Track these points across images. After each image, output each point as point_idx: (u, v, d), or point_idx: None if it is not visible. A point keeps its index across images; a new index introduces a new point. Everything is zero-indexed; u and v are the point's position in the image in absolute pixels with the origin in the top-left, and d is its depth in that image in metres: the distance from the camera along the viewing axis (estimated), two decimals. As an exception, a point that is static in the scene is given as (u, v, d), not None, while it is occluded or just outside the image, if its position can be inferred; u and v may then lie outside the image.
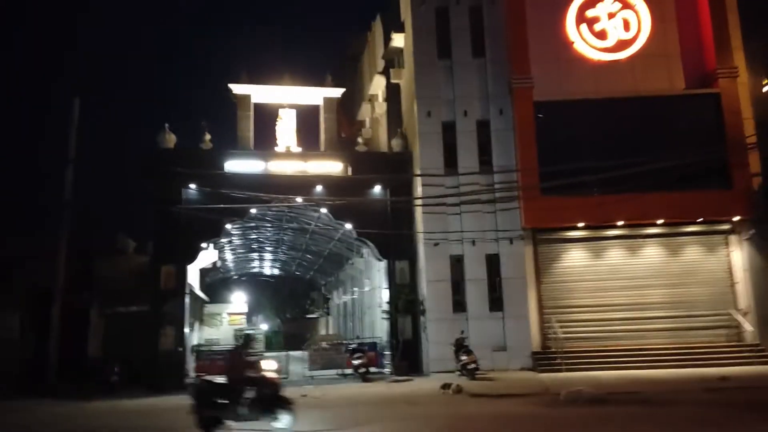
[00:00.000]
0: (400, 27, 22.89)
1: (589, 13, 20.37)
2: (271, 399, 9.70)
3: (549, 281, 19.47)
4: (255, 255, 36.90)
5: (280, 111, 21.66)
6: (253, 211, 20.90)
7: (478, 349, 17.55)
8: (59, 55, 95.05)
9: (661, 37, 20.17)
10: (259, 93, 21.57)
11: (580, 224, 19.45)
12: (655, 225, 19.51)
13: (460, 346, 17.60)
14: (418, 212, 20.30)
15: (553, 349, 18.43)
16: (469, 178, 19.51)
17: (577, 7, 20.36)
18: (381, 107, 25.62)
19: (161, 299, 19.21)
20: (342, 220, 21.24)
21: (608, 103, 19.42)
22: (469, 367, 16.97)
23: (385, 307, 21.07)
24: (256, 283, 51.76)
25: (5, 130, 77.12)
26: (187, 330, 19.99)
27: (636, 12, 20.30)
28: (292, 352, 24.29)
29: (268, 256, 37.49)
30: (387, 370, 20.28)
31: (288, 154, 21.12)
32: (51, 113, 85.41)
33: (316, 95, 22.13)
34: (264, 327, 50.68)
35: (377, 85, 25.97)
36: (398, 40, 22.95)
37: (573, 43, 20.27)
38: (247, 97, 21.36)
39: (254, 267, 42.84)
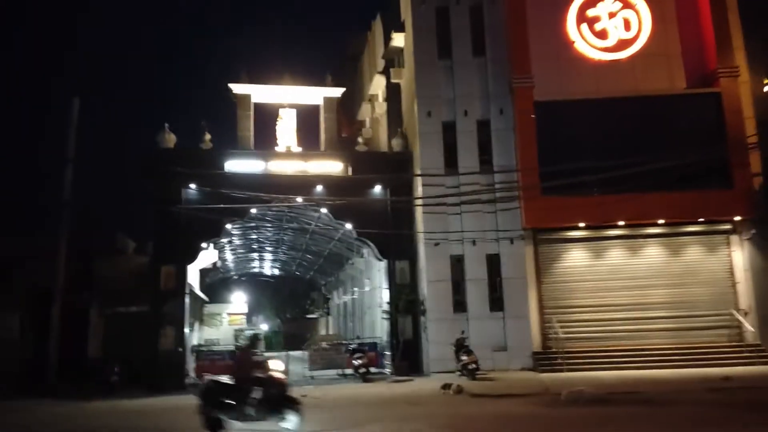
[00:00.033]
0: (400, 26, 22.88)
1: (590, 13, 20.36)
2: (278, 399, 9.66)
3: (549, 281, 19.45)
4: (255, 255, 36.87)
5: (280, 111, 21.64)
6: (253, 211, 20.88)
7: (478, 349, 17.52)
8: (59, 55, 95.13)
9: (662, 36, 20.16)
10: (259, 93, 21.55)
11: (581, 224, 19.43)
12: (655, 225, 19.48)
13: (461, 346, 17.58)
14: (419, 212, 20.28)
15: (554, 349, 18.41)
16: (470, 178, 19.49)
17: (578, 6, 20.35)
18: (381, 107, 25.60)
19: (161, 299, 19.20)
20: (342, 220, 21.22)
21: (609, 103, 19.39)
22: (470, 367, 16.94)
23: (386, 307, 21.05)
24: (256, 283, 51.73)
25: (5, 130, 77.18)
26: (187, 330, 19.98)
27: (637, 11, 20.28)
28: (292, 352, 24.26)
29: (268, 256, 37.46)
30: (387, 370, 20.28)
31: (288, 154, 21.10)
32: (51, 113, 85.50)
33: (316, 95, 22.12)
34: (264, 327, 50.66)
35: (377, 85, 25.95)
36: (398, 39, 22.93)
37: (573, 42, 20.26)
38: (247, 97, 21.35)
39: (254, 267, 42.80)
